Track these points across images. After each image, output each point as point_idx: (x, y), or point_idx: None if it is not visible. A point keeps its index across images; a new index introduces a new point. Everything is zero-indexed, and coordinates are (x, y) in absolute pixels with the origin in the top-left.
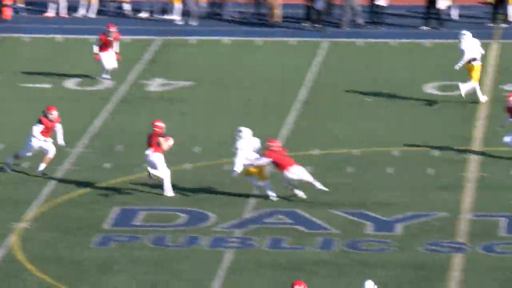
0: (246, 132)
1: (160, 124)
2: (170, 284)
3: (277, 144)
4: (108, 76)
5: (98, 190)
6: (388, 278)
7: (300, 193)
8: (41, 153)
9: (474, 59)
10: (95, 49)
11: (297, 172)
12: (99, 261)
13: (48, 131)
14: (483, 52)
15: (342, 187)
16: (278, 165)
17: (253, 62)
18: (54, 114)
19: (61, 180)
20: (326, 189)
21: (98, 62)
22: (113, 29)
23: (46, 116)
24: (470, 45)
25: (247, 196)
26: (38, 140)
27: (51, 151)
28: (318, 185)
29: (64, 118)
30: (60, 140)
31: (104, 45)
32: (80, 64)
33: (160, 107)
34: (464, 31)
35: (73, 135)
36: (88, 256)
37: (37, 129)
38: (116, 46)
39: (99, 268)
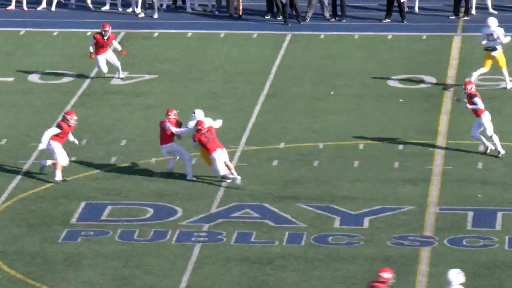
0: (198, 113)
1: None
2: (138, 279)
3: (206, 127)
4: (121, 75)
5: (64, 184)
6: (356, 272)
7: (236, 178)
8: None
9: (494, 48)
10: (91, 49)
11: (221, 155)
12: (66, 256)
13: (65, 136)
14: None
15: (309, 181)
16: (206, 147)
17: (217, 55)
18: (74, 118)
19: (26, 175)
20: (239, 181)
21: (94, 60)
22: (108, 29)
23: (65, 121)
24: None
25: (215, 190)
26: (42, 143)
27: (61, 157)
28: (235, 176)
29: (27, 112)
30: (72, 137)
31: (100, 46)
32: (43, 58)
33: (124, 101)
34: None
35: (37, 129)
36: (55, 251)
37: (52, 132)
38: (115, 44)
39: (67, 263)
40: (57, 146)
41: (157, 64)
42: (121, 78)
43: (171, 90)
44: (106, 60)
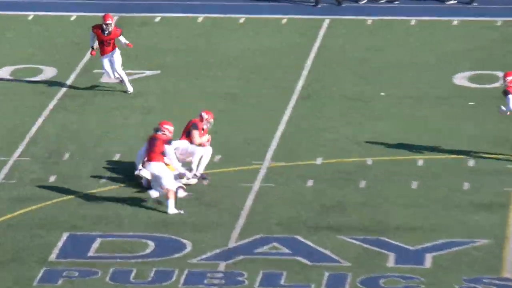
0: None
1: (170, 127)
2: None
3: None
4: (122, 80)
5: (41, 210)
6: None
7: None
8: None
9: None
10: (92, 43)
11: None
12: None
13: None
14: None
15: (354, 206)
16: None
17: (235, 45)
18: (170, 129)
19: None
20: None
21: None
22: (111, 21)
23: (160, 133)
24: None
25: (233, 217)
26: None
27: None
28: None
29: None
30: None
31: (101, 43)
32: (14, 49)
33: (117, 103)
34: None
35: (7, 139)
36: None
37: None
38: (121, 39)
39: None
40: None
41: (159, 57)
42: (127, 92)
43: (176, 89)
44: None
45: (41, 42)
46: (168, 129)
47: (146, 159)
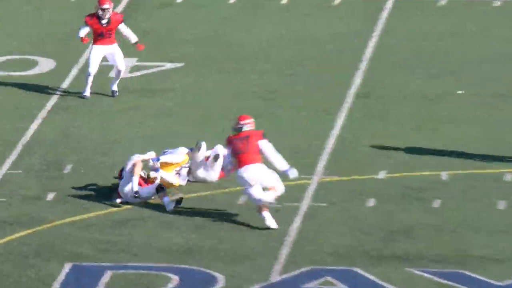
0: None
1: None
2: None
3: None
4: (114, 87)
5: (37, 235)
6: None
7: None
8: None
9: None
10: (81, 33)
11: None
12: None
13: None
14: None
15: (426, 231)
16: None
17: (274, 31)
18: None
19: None
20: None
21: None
22: (109, 6)
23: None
24: None
25: (276, 245)
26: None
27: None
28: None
29: None
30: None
31: (99, 35)
32: None
33: (130, 103)
34: None
35: None
36: None
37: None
38: (125, 32)
39: None
40: None
41: (180, 46)
42: (113, 92)
43: (201, 86)
44: (106, 57)
45: (36, 28)
46: (252, 122)
47: (236, 165)
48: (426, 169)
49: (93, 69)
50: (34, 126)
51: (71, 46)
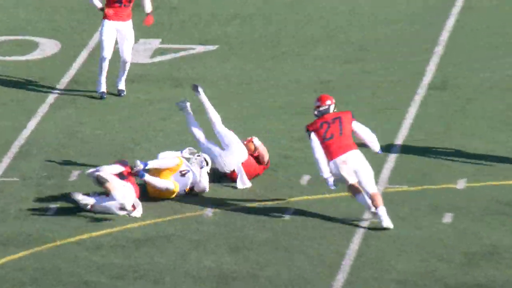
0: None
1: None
2: None
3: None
4: (120, 86)
5: (36, 258)
6: None
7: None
8: None
9: None
10: (95, 2)
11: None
12: None
13: None
14: None
15: None
16: None
17: (329, 8)
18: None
19: None
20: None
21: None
22: None
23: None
24: None
25: (331, 269)
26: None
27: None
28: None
29: None
30: None
31: (116, 7)
32: None
33: (150, 95)
34: None
35: None
36: None
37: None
38: (145, 3)
39: None
40: None
41: (216, 25)
42: (119, 91)
43: (243, 74)
44: (117, 40)
45: (37, 4)
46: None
47: (331, 152)
48: None
49: (108, 52)
50: (32, 124)
51: (80, 23)
